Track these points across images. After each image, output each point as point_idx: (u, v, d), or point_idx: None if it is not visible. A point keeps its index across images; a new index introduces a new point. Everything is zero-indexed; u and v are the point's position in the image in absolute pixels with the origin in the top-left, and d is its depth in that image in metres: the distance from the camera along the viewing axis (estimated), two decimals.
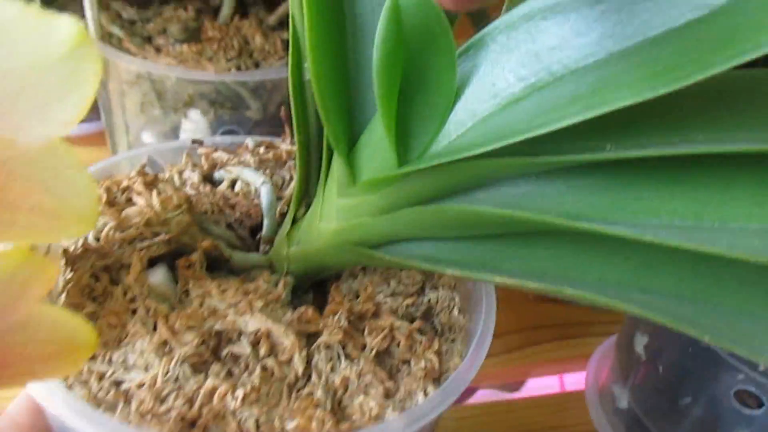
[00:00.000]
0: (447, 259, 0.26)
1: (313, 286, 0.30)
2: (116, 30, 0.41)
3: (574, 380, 0.67)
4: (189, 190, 0.32)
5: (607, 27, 0.21)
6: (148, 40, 0.42)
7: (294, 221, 0.28)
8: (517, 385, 0.70)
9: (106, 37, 0.42)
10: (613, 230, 0.21)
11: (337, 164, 0.26)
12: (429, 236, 0.26)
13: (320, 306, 0.29)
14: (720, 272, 0.22)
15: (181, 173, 0.33)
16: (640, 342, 0.43)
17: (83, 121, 0.55)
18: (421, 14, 0.21)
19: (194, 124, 0.43)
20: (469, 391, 0.68)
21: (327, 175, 0.27)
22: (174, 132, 0.44)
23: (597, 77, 0.20)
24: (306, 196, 0.28)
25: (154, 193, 0.27)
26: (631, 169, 0.23)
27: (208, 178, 0.34)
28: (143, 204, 0.26)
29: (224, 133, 0.44)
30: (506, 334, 0.54)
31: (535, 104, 0.22)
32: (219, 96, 0.42)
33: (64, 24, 0.14)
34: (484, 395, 0.68)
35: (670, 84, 0.18)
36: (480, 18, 0.23)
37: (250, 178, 0.30)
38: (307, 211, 0.28)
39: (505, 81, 0.23)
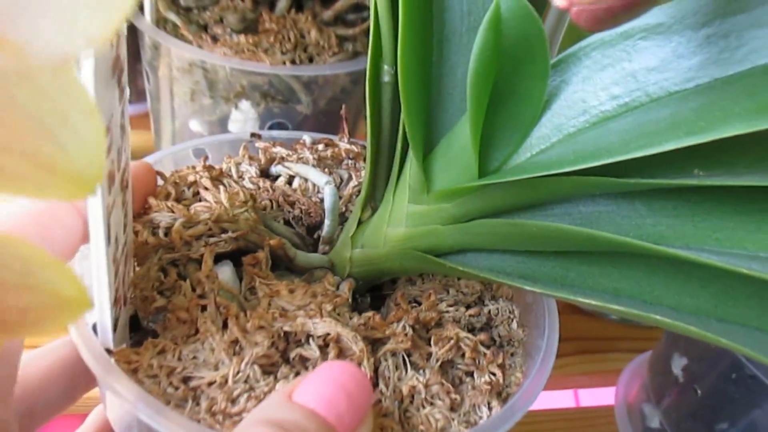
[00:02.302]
0: (516, 272, 0.26)
1: (369, 290, 0.30)
2: (172, 16, 0.41)
3: (589, 395, 0.67)
4: (247, 184, 0.32)
5: (712, 52, 0.20)
6: (204, 28, 0.42)
7: (358, 224, 0.28)
8: None
9: (161, 23, 0.41)
10: (703, 259, 0.20)
11: (412, 170, 0.26)
12: (498, 248, 0.26)
13: (376, 309, 0.29)
14: None
15: (238, 166, 0.33)
16: (678, 363, 0.43)
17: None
18: (522, 24, 0.21)
19: (244, 114, 0.43)
20: None
21: (398, 180, 0.27)
22: (222, 122, 0.43)
23: (701, 103, 0.20)
24: (372, 199, 0.28)
25: (222, 188, 0.27)
26: (716, 196, 0.23)
27: (265, 173, 0.33)
28: (211, 199, 0.26)
29: (273, 125, 0.43)
30: None
31: (630, 125, 0.21)
32: (271, 88, 0.41)
33: None
34: None
35: None
36: None
37: (314, 177, 0.30)
38: (372, 214, 0.28)
39: (596, 98, 0.22)
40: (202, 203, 0.26)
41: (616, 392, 0.49)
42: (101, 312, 0.20)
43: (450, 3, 0.24)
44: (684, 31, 0.21)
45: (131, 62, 0.58)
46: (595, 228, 0.24)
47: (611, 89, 0.22)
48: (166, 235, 0.25)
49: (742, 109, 0.18)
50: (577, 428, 0.49)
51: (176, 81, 0.42)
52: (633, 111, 0.22)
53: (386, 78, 0.26)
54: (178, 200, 0.26)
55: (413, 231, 0.26)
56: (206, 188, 0.27)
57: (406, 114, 0.23)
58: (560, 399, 0.71)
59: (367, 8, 0.44)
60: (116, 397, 0.21)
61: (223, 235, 0.26)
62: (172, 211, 0.25)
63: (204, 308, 0.23)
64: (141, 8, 0.41)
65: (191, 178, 0.27)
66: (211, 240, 0.25)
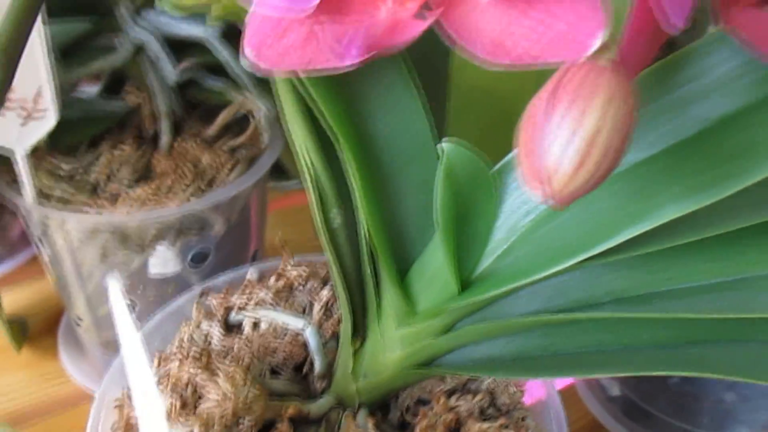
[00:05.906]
0: (507, 355, 0.28)
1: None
2: (58, 192, 0.38)
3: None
4: (216, 345, 0.32)
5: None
6: (94, 190, 0.40)
7: (353, 355, 0.29)
8: None
9: (44, 198, 0.39)
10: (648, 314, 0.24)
11: (391, 298, 0.27)
12: (487, 338, 0.28)
13: (384, 414, 0.31)
14: None
15: (199, 326, 0.33)
16: None
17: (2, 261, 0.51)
18: (469, 167, 0.23)
19: (162, 255, 0.42)
20: None
21: (378, 308, 0.28)
22: (141, 270, 0.42)
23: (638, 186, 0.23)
24: (357, 331, 0.29)
25: (219, 378, 0.27)
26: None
27: (226, 325, 0.34)
28: (216, 395, 0.26)
29: (195, 255, 0.43)
30: None
31: (582, 215, 0.24)
32: (184, 224, 0.41)
33: None
34: None
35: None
36: None
37: (290, 323, 0.31)
38: (361, 343, 0.29)
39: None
40: (210, 401, 0.26)
41: None
42: None
43: (387, 147, 0.26)
44: None
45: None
46: (565, 296, 0.27)
47: None
48: None
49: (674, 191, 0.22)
50: None
51: (79, 250, 0.40)
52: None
53: (337, 221, 0.28)
54: (184, 406, 0.26)
55: (409, 350, 0.28)
56: (204, 384, 0.27)
57: (378, 247, 0.25)
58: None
59: (246, 114, 0.44)
60: None
61: (242, 426, 0.26)
62: (186, 423, 0.25)
63: None
64: (16, 188, 0.39)
65: (185, 378, 0.27)
66: None
